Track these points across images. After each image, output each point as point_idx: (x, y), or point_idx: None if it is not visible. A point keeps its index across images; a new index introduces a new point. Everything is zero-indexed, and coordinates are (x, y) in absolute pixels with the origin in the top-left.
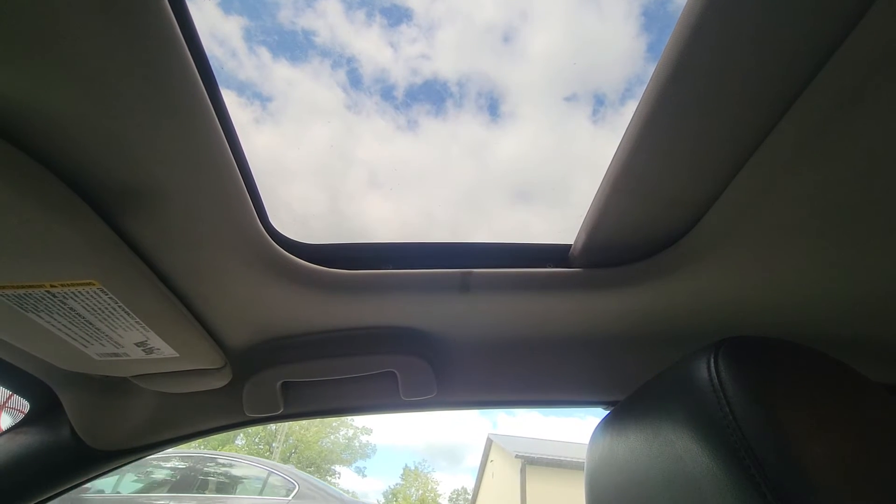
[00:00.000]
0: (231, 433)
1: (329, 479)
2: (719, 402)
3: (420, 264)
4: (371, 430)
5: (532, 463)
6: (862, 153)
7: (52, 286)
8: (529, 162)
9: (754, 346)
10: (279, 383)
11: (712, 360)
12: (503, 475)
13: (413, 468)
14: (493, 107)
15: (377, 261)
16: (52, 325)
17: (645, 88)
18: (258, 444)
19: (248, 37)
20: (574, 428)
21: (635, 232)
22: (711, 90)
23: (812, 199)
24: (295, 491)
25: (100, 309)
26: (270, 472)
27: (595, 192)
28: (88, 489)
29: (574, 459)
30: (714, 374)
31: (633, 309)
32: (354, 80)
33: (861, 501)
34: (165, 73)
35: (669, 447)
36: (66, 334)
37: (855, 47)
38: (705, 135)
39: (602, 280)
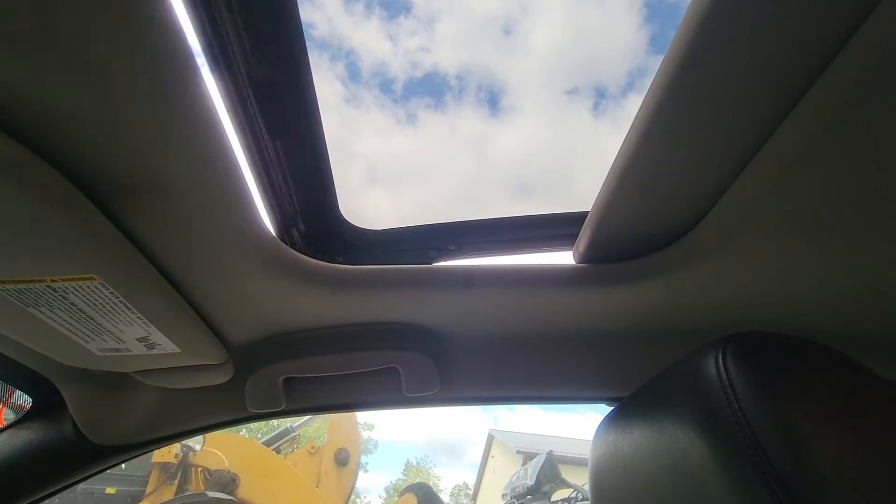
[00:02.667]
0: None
1: None
2: (728, 398)
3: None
4: (373, 426)
5: (533, 459)
6: (871, 148)
7: (52, 281)
8: (531, 156)
9: (763, 341)
10: (281, 379)
11: (720, 356)
12: (504, 471)
13: (415, 464)
14: (493, 100)
15: (380, 255)
16: (53, 321)
17: (651, 83)
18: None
19: None
20: (575, 423)
21: (641, 227)
22: (718, 84)
23: (819, 195)
24: None
25: (100, 304)
26: None
27: (600, 187)
28: None
29: (575, 455)
30: (722, 369)
31: (638, 304)
32: (353, 73)
33: (872, 499)
34: (165, 64)
35: (676, 444)
36: (68, 329)
37: (866, 39)
38: (711, 129)
39: (607, 275)
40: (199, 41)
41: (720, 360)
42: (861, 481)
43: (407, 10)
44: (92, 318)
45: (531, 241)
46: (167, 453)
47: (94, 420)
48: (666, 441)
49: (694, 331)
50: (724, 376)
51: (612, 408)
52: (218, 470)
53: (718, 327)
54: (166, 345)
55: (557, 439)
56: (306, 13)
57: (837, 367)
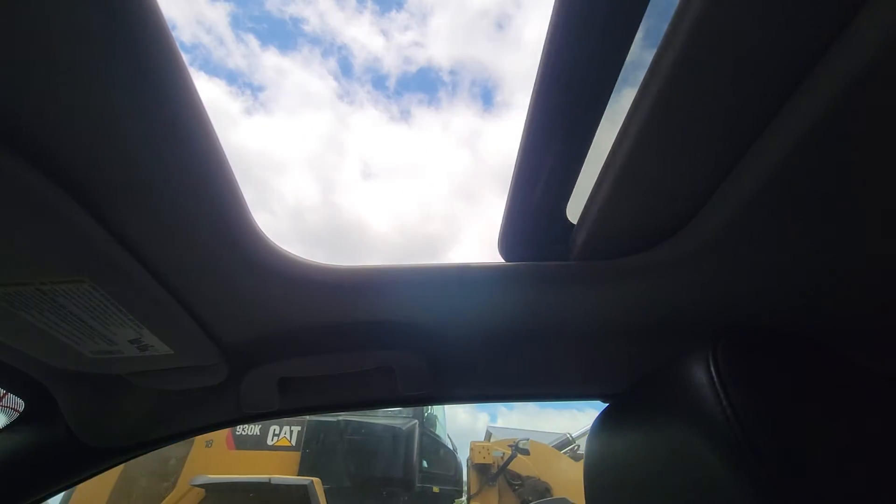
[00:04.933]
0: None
1: None
2: (718, 395)
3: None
4: None
5: None
6: (866, 146)
7: (42, 284)
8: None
9: (754, 338)
10: (276, 379)
11: (711, 352)
12: None
13: None
14: (486, 96)
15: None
16: (44, 323)
17: (642, 79)
18: None
19: (236, 24)
20: (573, 421)
21: (634, 224)
22: (710, 81)
23: (812, 192)
24: None
25: (91, 306)
26: None
27: (593, 184)
28: None
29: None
30: (713, 366)
31: (632, 301)
32: (346, 68)
33: (862, 494)
34: (152, 66)
35: (668, 441)
36: (59, 332)
37: (858, 35)
38: (704, 126)
39: (600, 272)
40: (551, 50)
41: (711, 357)
42: (852, 479)
43: (399, 5)
44: (83, 321)
45: None
46: (487, 455)
47: (88, 422)
48: (659, 438)
49: (687, 327)
50: (714, 373)
51: (608, 404)
52: (530, 477)
53: (711, 324)
54: (159, 346)
55: (555, 436)
56: (297, 8)
57: (828, 363)
